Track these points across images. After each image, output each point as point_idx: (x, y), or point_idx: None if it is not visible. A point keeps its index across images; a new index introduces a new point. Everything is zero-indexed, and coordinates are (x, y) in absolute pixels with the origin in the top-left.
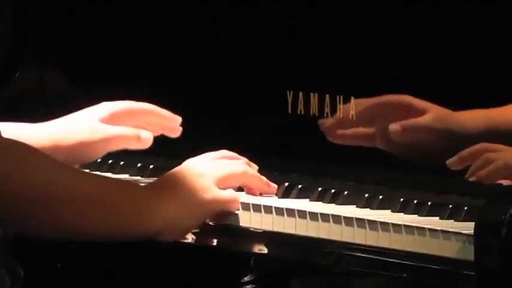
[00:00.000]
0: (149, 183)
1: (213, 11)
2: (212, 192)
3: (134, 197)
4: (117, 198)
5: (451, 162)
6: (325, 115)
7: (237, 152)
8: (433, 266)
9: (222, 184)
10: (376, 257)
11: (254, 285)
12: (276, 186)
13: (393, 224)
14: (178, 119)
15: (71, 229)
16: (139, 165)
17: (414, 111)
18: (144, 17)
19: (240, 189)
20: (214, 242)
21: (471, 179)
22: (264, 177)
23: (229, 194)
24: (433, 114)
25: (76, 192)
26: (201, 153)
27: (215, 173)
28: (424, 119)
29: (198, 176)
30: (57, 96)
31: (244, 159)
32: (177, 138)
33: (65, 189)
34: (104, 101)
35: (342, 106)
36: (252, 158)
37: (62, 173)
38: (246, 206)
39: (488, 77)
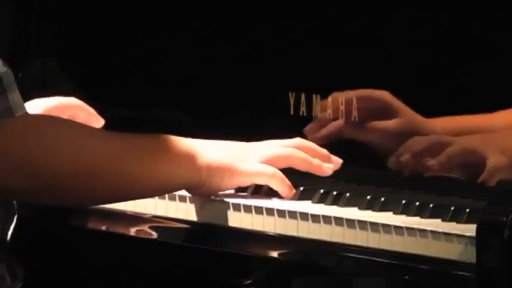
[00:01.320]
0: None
1: (216, 13)
2: (251, 164)
3: (174, 152)
4: (159, 153)
5: (391, 162)
6: (327, 116)
7: None
8: (435, 268)
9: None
10: (377, 259)
11: (255, 287)
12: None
13: (395, 226)
14: (102, 121)
15: (115, 190)
16: None
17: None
18: (147, 16)
19: (243, 190)
20: (217, 244)
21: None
22: (313, 160)
23: (267, 168)
24: (404, 119)
25: (121, 154)
26: None
27: (260, 152)
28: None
29: (243, 148)
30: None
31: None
32: None
33: (108, 155)
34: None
35: (343, 108)
36: None
37: (100, 139)
38: (248, 209)
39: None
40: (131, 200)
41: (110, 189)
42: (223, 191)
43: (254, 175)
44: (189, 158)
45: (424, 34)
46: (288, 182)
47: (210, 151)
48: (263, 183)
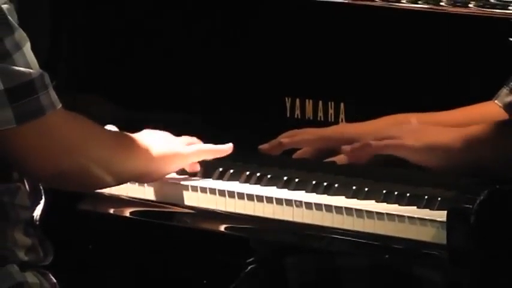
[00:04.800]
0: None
1: (217, 25)
2: (186, 148)
3: (139, 147)
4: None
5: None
6: (318, 119)
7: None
8: (412, 248)
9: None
10: (362, 241)
11: (257, 265)
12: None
13: (377, 213)
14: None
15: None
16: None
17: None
18: (156, 26)
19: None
20: (223, 228)
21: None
22: (212, 147)
23: (199, 146)
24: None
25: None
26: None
27: (179, 139)
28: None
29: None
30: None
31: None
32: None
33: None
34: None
35: (333, 111)
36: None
37: (107, 140)
38: (250, 197)
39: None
40: (116, 185)
41: (109, 177)
42: (169, 174)
43: (193, 155)
44: (145, 151)
45: (407, 46)
46: (217, 147)
47: (154, 143)
48: (201, 159)
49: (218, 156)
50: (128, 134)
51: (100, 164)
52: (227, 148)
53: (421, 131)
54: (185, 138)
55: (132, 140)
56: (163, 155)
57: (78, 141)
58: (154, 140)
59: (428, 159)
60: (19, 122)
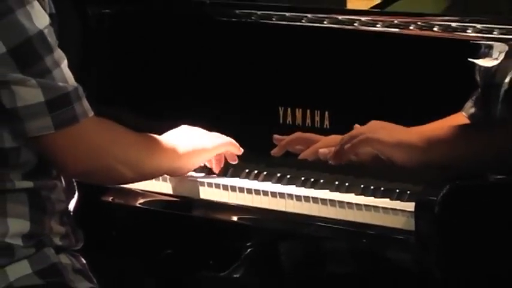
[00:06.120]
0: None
1: (220, 48)
2: (211, 141)
3: (168, 146)
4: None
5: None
6: (306, 125)
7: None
8: (385, 234)
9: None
10: (343, 227)
11: (254, 248)
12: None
13: (356, 204)
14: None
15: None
16: None
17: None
18: (164, 45)
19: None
20: (226, 217)
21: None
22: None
23: (223, 138)
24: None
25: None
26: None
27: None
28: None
29: (196, 131)
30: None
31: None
32: None
33: (148, 162)
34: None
35: (318, 118)
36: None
37: (145, 145)
38: (249, 191)
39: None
40: (145, 180)
41: (141, 173)
42: (197, 167)
43: (217, 148)
44: (172, 150)
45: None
46: (237, 144)
47: (183, 140)
48: (223, 151)
49: (234, 150)
50: (155, 136)
51: (127, 164)
52: (239, 149)
53: (389, 128)
54: (213, 134)
55: (159, 141)
56: (191, 151)
57: (106, 145)
58: (184, 137)
59: (395, 153)
60: (57, 128)
